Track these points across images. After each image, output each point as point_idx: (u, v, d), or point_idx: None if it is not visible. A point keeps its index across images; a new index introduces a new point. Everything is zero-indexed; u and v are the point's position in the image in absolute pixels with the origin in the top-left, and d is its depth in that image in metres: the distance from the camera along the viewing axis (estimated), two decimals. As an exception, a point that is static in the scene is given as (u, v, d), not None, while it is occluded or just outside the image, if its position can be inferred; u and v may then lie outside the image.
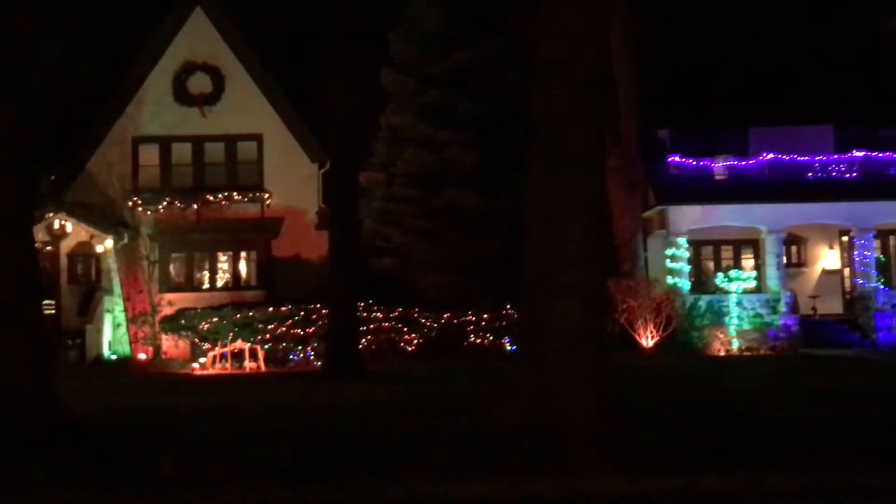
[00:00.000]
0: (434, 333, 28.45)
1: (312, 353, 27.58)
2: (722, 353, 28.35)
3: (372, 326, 28.06)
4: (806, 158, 30.94)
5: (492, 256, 29.54)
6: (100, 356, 28.09)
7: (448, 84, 30.77)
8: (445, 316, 28.54)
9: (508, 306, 28.26)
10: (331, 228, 25.04)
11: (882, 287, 30.60)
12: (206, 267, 31.19)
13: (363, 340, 26.68)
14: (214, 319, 28.01)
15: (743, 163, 31.21)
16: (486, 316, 28.64)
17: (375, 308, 28.26)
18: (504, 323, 28.46)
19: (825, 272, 33.23)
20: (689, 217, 30.65)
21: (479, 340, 28.53)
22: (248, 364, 26.49)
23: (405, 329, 28.40)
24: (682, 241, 30.49)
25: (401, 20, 31.93)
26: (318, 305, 27.24)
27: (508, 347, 27.96)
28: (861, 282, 30.89)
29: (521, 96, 18.11)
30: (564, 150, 12.77)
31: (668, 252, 30.55)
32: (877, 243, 31.57)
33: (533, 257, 13.08)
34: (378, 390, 18.99)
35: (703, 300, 29.83)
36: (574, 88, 12.71)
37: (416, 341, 28.40)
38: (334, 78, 24.60)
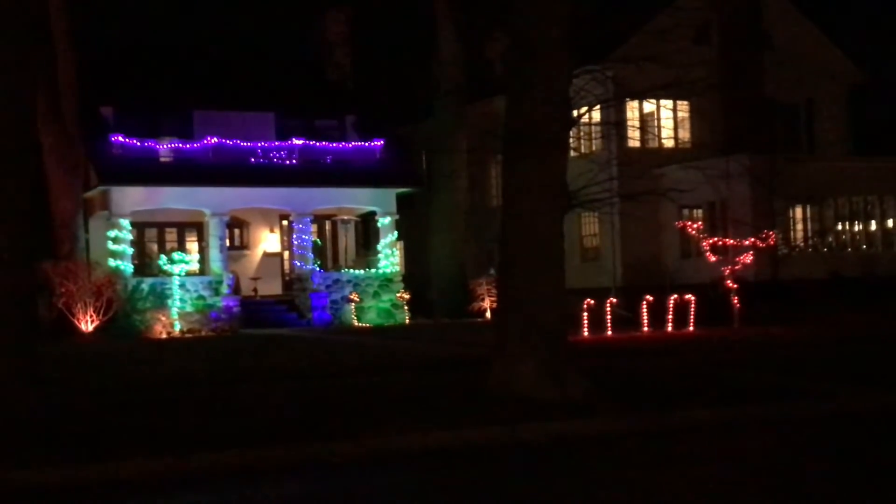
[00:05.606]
0: None
1: None
2: (164, 336, 28.30)
3: None
4: (249, 144, 31.68)
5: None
6: None
7: None
8: None
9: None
10: None
11: (318, 269, 32.41)
12: None
13: None
14: None
15: (188, 146, 31.22)
16: None
17: None
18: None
19: (266, 255, 34.55)
20: (133, 198, 30.20)
21: None
22: None
23: None
24: (125, 222, 29.98)
25: None
26: None
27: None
28: (299, 264, 32.49)
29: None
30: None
31: (111, 234, 29.88)
32: (314, 227, 33.43)
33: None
34: None
35: (147, 283, 29.60)
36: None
37: None
38: None
